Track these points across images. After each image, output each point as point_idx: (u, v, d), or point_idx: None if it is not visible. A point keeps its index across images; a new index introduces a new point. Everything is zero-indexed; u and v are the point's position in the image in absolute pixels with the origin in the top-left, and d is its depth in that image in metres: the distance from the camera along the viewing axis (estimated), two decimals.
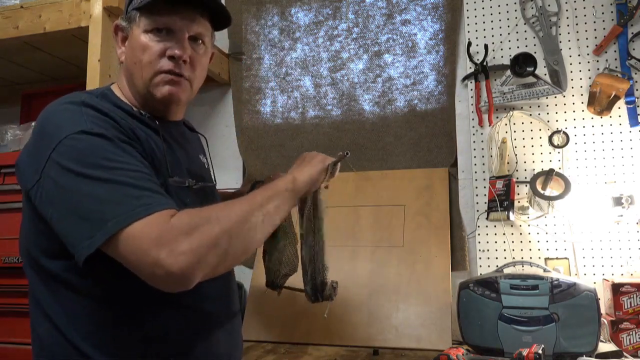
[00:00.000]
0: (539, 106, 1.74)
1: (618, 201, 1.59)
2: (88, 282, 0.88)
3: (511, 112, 1.75)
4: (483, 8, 1.85)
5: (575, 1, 1.75)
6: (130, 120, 0.95)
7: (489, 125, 1.78)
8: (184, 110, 1.13)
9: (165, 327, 0.93)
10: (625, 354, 1.33)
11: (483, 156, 1.79)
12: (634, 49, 1.66)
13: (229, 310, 1.07)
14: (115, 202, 0.79)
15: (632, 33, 1.66)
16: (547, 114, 1.73)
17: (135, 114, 0.99)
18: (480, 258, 1.74)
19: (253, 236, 0.89)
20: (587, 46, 1.72)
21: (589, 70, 1.71)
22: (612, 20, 1.69)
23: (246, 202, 0.91)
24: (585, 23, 1.73)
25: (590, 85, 1.67)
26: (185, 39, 0.99)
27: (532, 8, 1.78)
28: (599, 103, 1.64)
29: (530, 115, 1.74)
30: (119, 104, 0.99)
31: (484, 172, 1.78)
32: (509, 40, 1.80)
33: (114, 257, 0.80)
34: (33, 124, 1.72)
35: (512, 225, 1.71)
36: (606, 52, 1.69)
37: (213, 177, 1.22)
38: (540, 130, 1.73)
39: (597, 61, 1.70)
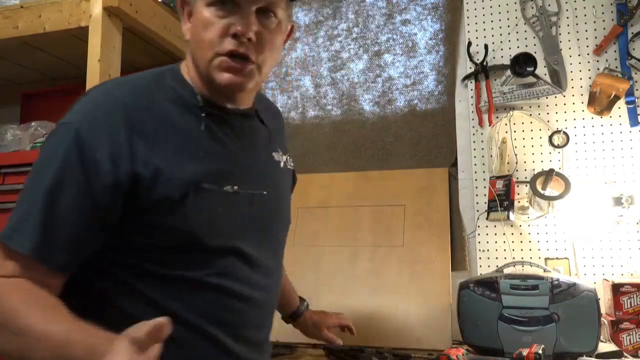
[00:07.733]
0: (539, 106, 1.74)
1: (618, 201, 1.59)
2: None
3: (511, 112, 1.75)
4: (483, 8, 1.84)
5: (575, 1, 1.75)
6: (169, 109, 0.86)
7: (489, 125, 1.78)
8: (253, 95, 0.99)
9: None
10: (625, 354, 1.33)
11: (483, 156, 1.79)
12: (634, 49, 1.66)
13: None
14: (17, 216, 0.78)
15: (632, 33, 1.66)
16: (547, 114, 1.73)
17: (191, 102, 0.89)
18: (480, 258, 1.74)
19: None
20: (587, 46, 1.72)
21: (589, 70, 1.71)
22: (612, 20, 1.69)
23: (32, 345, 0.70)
24: (585, 23, 1.73)
25: (590, 85, 1.67)
26: (251, 13, 0.84)
27: (532, 8, 1.78)
28: (599, 103, 1.64)
29: (530, 115, 1.74)
30: (179, 86, 0.90)
31: (484, 172, 1.78)
32: (509, 40, 1.80)
33: None
34: (33, 124, 1.70)
35: (512, 225, 1.71)
36: (606, 52, 1.69)
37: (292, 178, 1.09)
38: (540, 130, 1.73)
39: (597, 61, 1.70)
